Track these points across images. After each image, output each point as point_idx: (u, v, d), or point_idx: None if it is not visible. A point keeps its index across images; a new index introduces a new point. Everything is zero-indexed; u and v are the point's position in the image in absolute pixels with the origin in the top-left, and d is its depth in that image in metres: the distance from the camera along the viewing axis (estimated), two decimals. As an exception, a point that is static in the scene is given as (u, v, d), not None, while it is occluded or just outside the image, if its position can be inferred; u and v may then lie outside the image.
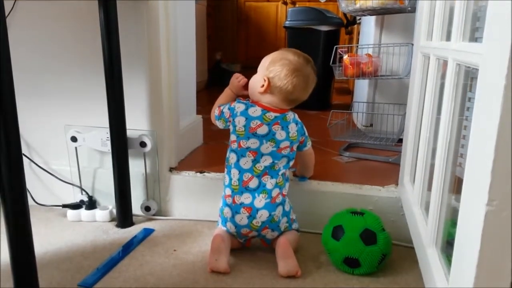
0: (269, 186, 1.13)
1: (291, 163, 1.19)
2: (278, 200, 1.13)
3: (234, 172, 1.15)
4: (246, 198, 1.13)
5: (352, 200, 1.27)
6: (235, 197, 1.14)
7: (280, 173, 1.15)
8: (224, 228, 1.17)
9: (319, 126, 2.05)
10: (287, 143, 1.16)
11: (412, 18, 1.47)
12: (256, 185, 1.13)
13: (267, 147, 1.14)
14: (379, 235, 1.06)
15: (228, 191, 1.16)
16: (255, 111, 1.16)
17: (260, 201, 1.12)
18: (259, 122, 1.14)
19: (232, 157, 1.17)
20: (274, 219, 1.12)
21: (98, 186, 1.46)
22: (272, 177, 1.14)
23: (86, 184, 1.46)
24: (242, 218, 1.13)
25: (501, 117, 0.45)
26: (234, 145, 1.17)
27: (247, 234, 1.15)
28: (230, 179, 1.16)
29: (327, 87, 2.66)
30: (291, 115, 1.18)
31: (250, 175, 1.14)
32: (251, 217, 1.12)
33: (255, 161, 1.14)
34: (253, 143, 1.14)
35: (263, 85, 1.15)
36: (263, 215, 1.12)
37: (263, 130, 1.14)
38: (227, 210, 1.15)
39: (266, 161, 1.15)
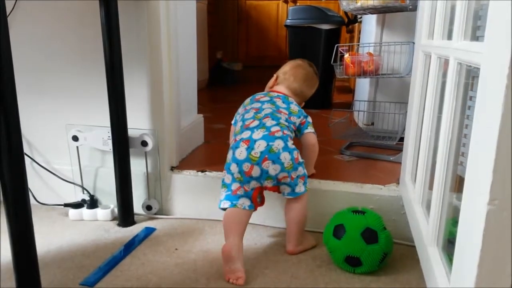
0: (268, 124, 1.18)
1: (291, 128, 1.23)
2: (277, 134, 1.15)
3: (239, 124, 1.23)
4: (245, 134, 1.17)
5: (353, 199, 1.27)
6: (236, 137, 1.18)
7: (281, 120, 1.21)
8: (228, 206, 1.12)
9: (320, 125, 2.03)
10: (286, 111, 1.26)
11: (413, 17, 1.47)
12: (257, 124, 1.18)
13: (267, 107, 1.25)
14: (380, 234, 1.06)
15: (231, 140, 1.22)
16: (261, 93, 1.36)
17: (258, 134, 1.15)
18: (262, 95, 1.33)
19: (238, 118, 1.29)
20: (273, 149, 1.11)
21: (99, 185, 1.46)
22: (273, 119, 1.20)
23: (88, 183, 1.47)
24: (241, 151, 1.13)
25: (502, 116, 0.45)
26: (241, 112, 1.30)
27: (250, 174, 1.11)
28: (236, 130, 1.24)
29: (328, 85, 2.65)
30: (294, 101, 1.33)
31: (252, 120, 1.21)
32: (249, 148, 1.13)
33: (257, 113, 1.24)
34: (256, 105, 1.28)
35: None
36: (261, 145, 1.12)
37: (265, 99, 1.30)
38: (229, 158, 1.15)
39: (266, 111, 1.23)
